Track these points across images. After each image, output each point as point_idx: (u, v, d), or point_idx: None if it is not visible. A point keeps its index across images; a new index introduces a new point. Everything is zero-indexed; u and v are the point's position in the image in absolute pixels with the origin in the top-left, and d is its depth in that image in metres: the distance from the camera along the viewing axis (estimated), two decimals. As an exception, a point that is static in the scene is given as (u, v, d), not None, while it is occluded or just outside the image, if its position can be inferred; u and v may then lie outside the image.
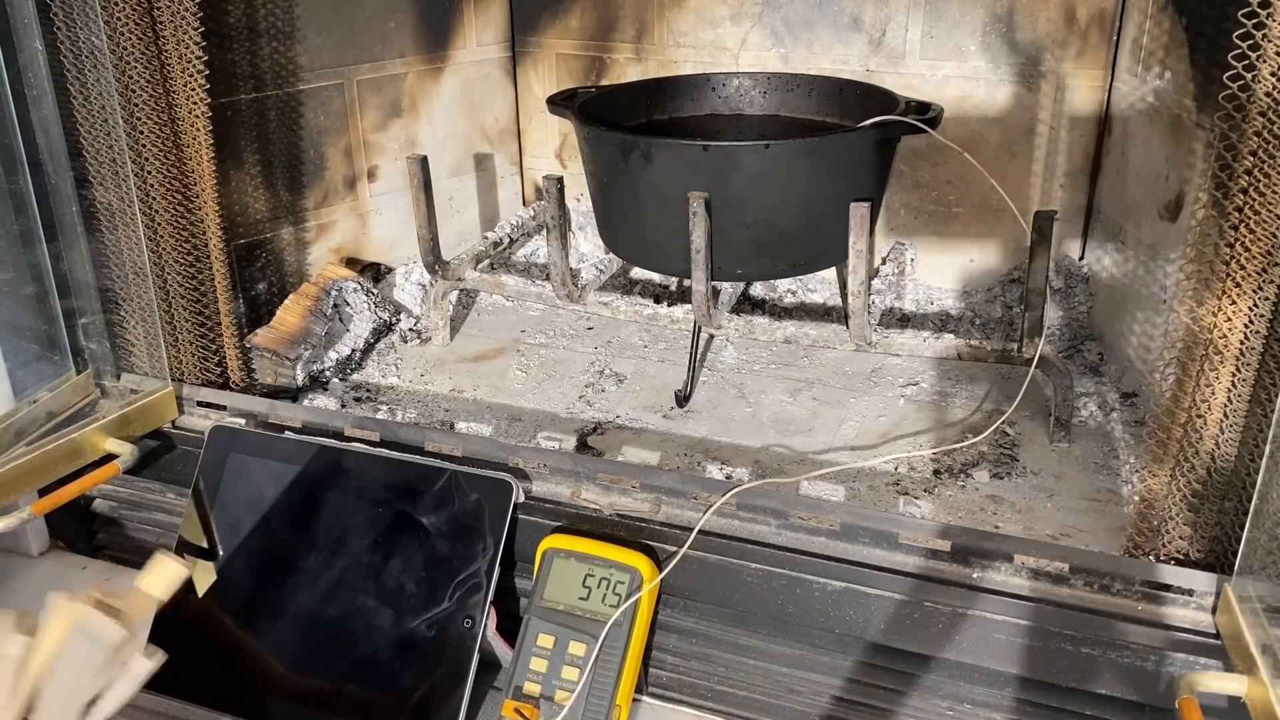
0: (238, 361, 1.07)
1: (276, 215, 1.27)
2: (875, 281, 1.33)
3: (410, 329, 1.33)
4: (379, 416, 1.09)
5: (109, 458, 0.94)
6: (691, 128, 1.29)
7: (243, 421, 0.97)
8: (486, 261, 1.34)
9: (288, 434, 0.94)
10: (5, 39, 0.89)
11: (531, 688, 0.79)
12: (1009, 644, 0.75)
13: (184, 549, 0.89)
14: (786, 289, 1.40)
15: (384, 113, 1.37)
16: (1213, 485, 0.72)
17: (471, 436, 0.95)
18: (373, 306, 1.29)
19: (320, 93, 1.29)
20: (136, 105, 0.94)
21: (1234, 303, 0.68)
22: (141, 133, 0.95)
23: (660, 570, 0.81)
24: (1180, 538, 0.75)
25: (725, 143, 1.06)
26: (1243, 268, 0.67)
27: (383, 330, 1.30)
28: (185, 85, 0.95)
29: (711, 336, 1.27)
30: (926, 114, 1.08)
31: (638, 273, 1.44)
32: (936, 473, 1.00)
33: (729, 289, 1.23)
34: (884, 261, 1.37)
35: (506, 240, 1.39)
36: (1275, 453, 0.65)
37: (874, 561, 0.79)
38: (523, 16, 1.50)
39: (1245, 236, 0.67)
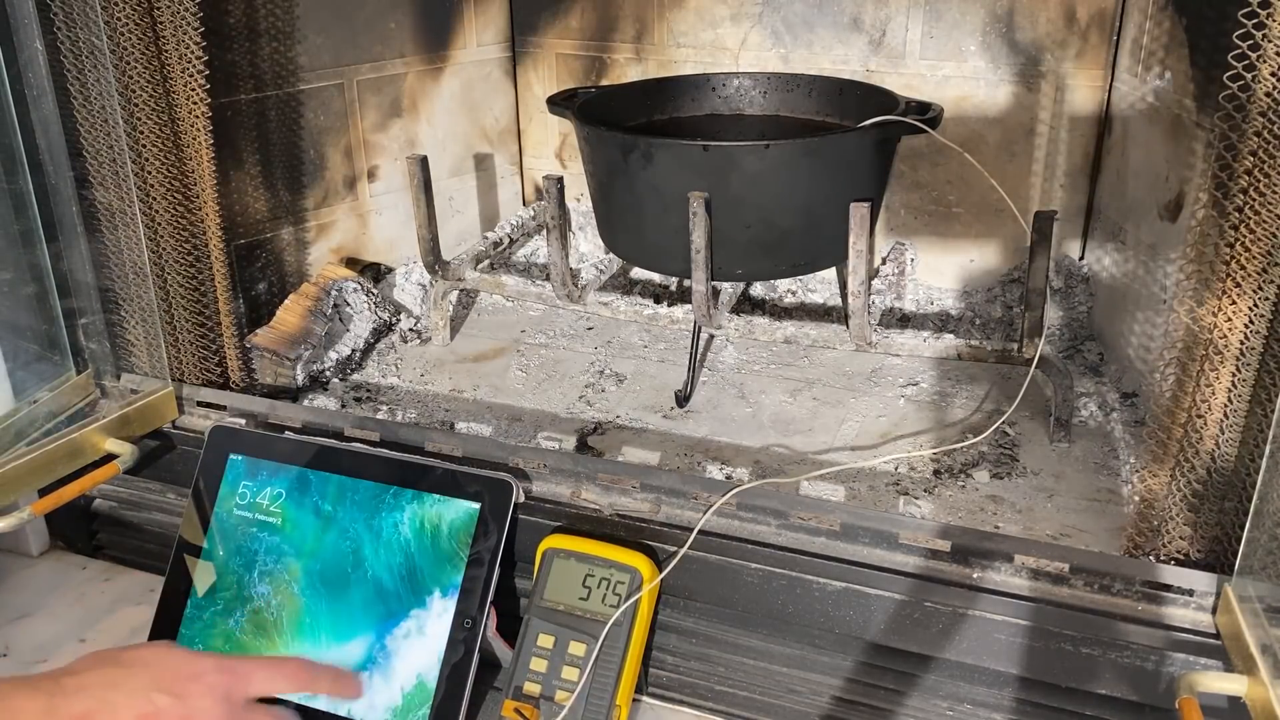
0: (238, 361, 1.07)
1: (276, 215, 1.27)
2: (875, 281, 1.33)
3: (410, 329, 1.33)
4: (379, 416, 1.09)
5: (109, 458, 0.94)
6: (691, 128, 1.29)
7: (243, 421, 0.97)
8: (486, 261, 1.34)
9: (288, 434, 0.94)
10: (5, 39, 0.89)
11: (531, 688, 0.79)
12: (1009, 644, 0.75)
13: (184, 549, 0.89)
14: (786, 289, 1.40)
15: (384, 113, 1.37)
16: (1213, 485, 0.72)
17: (471, 436, 0.95)
18: (373, 306, 1.29)
19: (320, 93, 1.29)
20: (136, 105, 0.94)
21: (1234, 303, 0.68)
22: (141, 133, 0.95)
23: (660, 570, 0.81)
24: (1180, 538, 0.75)
25: (725, 143, 1.06)
26: (1243, 268, 0.67)
27: (383, 330, 1.30)
28: (185, 85, 0.95)
29: (711, 336, 1.27)
30: (926, 114, 1.08)
31: (638, 273, 1.44)
32: (936, 473, 1.00)
33: (729, 289, 1.22)
34: (884, 261, 1.37)
35: (506, 240, 1.39)
36: (1275, 453, 0.65)
37: (874, 561, 0.78)
38: (523, 16, 1.50)
39: (1245, 236, 0.67)
